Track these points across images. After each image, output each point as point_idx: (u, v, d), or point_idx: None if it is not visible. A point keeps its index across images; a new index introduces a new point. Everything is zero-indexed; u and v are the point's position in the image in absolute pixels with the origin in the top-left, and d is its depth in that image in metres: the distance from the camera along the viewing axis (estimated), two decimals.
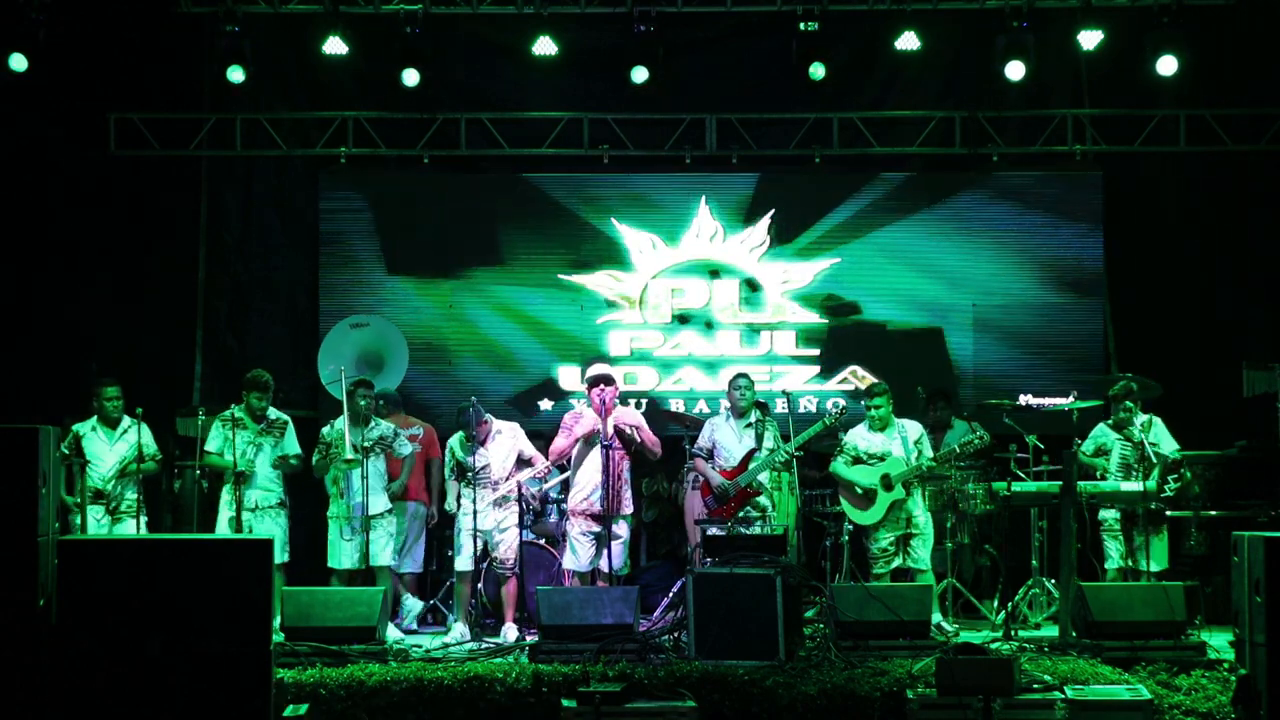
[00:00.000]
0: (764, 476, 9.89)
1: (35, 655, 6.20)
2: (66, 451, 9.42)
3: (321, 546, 9.90)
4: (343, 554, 9.68)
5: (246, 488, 9.62)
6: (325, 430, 9.90)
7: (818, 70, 11.14)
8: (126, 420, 9.78)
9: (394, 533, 9.90)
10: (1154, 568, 9.55)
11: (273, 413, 9.89)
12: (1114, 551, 9.69)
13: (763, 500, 9.83)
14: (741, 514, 9.70)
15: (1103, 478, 9.73)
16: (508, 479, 9.73)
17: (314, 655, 8.15)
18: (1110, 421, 9.90)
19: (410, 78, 11.19)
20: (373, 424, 9.81)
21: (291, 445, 9.90)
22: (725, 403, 10.31)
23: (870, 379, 11.89)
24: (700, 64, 12.01)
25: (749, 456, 9.83)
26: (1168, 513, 9.78)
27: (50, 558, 6.34)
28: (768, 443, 9.90)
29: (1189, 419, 10.31)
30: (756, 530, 9.53)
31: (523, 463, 9.84)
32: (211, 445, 9.73)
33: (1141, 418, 9.74)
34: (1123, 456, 9.72)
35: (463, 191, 12.27)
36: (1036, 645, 8.67)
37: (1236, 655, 7.46)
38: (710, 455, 9.97)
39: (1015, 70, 11.09)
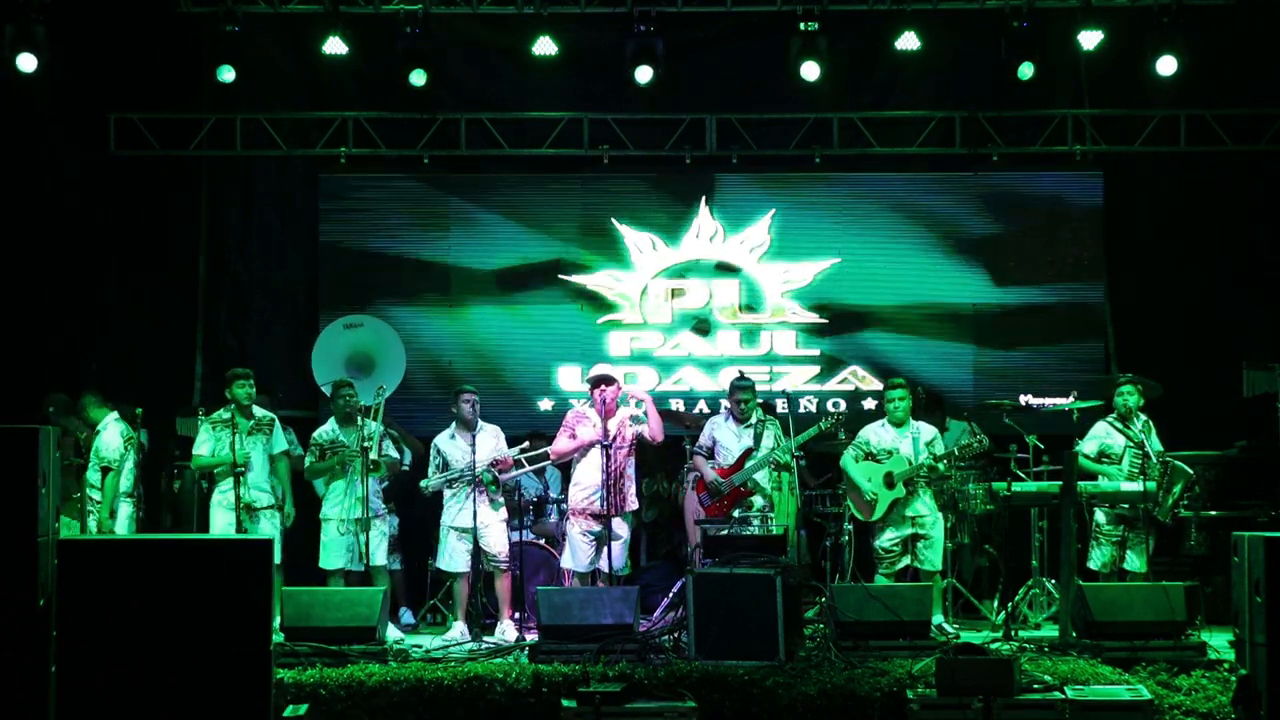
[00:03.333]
0: (761, 477, 9.90)
1: (35, 655, 6.19)
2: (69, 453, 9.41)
3: (309, 546, 9.92)
4: (338, 554, 9.69)
5: (245, 485, 9.61)
6: (318, 434, 9.89)
7: (811, 70, 11.14)
8: (103, 422, 9.77)
9: (388, 533, 9.90)
10: (1135, 568, 9.54)
11: (258, 410, 9.87)
12: (1104, 554, 9.64)
13: (758, 500, 9.83)
14: (737, 513, 9.70)
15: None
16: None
17: (314, 655, 8.15)
18: (1111, 416, 9.83)
19: (418, 79, 11.18)
20: (360, 424, 9.78)
21: (279, 442, 9.88)
22: (726, 404, 10.33)
23: (871, 379, 11.94)
24: (700, 64, 12.00)
25: (746, 455, 9.86)
26: (1181, 514, 9.76)
27: (50, 558, 6.34)
28: (767, 442, 9.92)
29: (1189, 419, 10.32)
30: (755, 530, 9.52)
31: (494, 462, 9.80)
32: (202, 449, 9.70)
33: (1143, 417, 9.72)
34: (1134, 463, 9.66)
35: (463, 192, 12.27)
36: (1036, 645, 8.67)
37: (1236, 655, 7.45)
38: (710, 454, 10.01)
39: (1026, 70, 11.09)
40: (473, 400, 9.78)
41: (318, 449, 9.81)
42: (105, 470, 9.78)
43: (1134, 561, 9.57)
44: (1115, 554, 9.60)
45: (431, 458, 9.86)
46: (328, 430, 9.87)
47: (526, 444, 10.03)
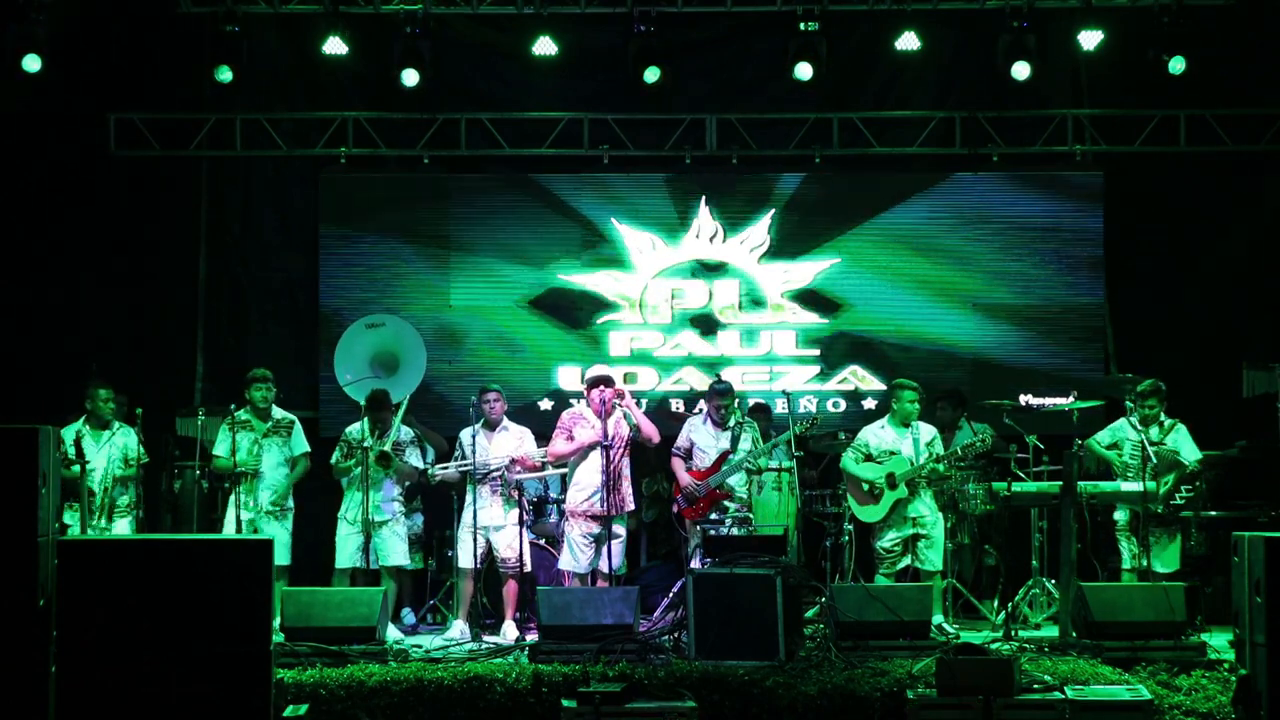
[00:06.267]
0: (736, 480, 9.92)
1: (35, 655, 6.19)
2: (73, 455, 9.37)
3: (324, 547, 9.93)
4: (348, 553, 9.71)
5: (254, 489, 9.62)
6: (349, 430, 9.96)
7: (805, 70, 11.13)
8: (115, 423, 9.80)
9: (402, 534, 9.92)
10: (1163, 569, 9.54)
11: (278, 412, 9.92)
12: (1126, 552, 9.68)
13: (731, 504, 9.84)
14: (714, 515, 9.72)
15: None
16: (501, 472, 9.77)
17: (314, 655, 8.16)
18: (1134, 419, 9.83)
19: (410, 78, 11.19)
20: (391, 428, 9.81)
21: (300, 444, 9.92)
22: (704, 406, 10.35)
23: (871, 379, 11.94)
24: (700, 64, 12.01)
25: (722, 459, 9.89)
26: (1182, 514, 9.76)
27: (50, 558, 6.34)
28: (744, 445, 9.95)
29: (1189, 419, 10.30)
30: (739, 532, 9.52)
31: (514, 460, 9.84)
32: (220, 449, 9.77)
33: (1165, 421, 9.72)
34: (1131, 456, 9.70)
35: (463, 192, 12.27)
36: (1036, 645, 8.67)
37: (1237, 655, 7.45)
38: (689, 455, 10.04)
39: (1020, 70, 11.10)
40: (491, 399, 9.84)
41: (345, 446, 9.87)
42: (141, 466, 9.83)
43: (1158, 563, 9.56)
44: (1135, 551, 9.60)
45: (455, 451, 9.95)
46: (357, 429, 9.91)
47: None
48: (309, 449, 10.06)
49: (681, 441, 10.12)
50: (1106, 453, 9.86)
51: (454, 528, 9.90)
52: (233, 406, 9.89)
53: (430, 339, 11.93)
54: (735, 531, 9.50)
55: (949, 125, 12.05)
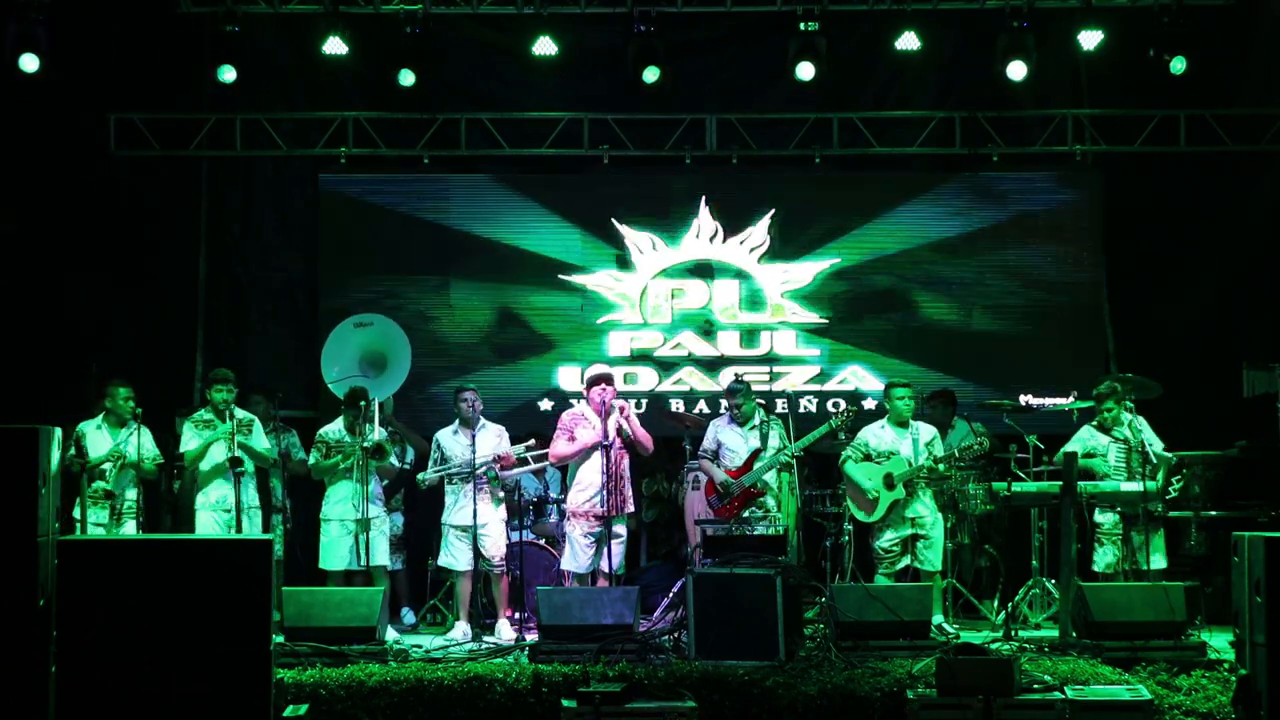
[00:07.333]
0: (770, 476, 9.92)
1: (35, 655, 6.20)
2: (73, 453, 9.37)
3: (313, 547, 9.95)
4: (339, 555, 9.70)
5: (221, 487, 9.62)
6: (324, 431, 9.92)
7: (806, 70, 11.14)
8: (131, 423, 9.81)
9: (387, 532, 9.92)
10: (1156, 566, 9.53)
11: (238, 411, 9.88)
12: (1108, 555, 9.63)
13: (768, 500, 9.86)
14: (746, 513, 9.73)
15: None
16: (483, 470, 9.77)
17: (314, 655, 8.17)
18: (1094, 423, 9.86)
19: (406, 78, 11.19)
20: (363, 429, 9.81)
21: (258, 442, 9.88)
22: (725, 405, 10.38)
23: (871, 379, 11.94)
24: (700, 64, 12.01)
25: (754, 456, 9.88)
26: (1170, 513, 9.77)
27: (50, 558, 6.35)
28: (773, 442, 9.95)
29: (1189, 419, 10.33)
30: (760, 530, 9.55)
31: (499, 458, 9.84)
32: (191, 445, 9.73)
33: (1127, 418, 9.71)
34: (1119, 458, 9.70)
35: (463, 192, 12.27)
36: (1036, 645, 8.68)
37: (1237, 655, 7.46)
38: (716, 456, 10.05)
39: (1016, 70, 11.11)
40: (471, 399, 9.83)
41: (323, 446, 9.84)
42: (159, 466, 9.86)
43: (1148, 559, 9.54)
44: (1121, 553, 9.59)
45: (432, 451, 9.91)
46: (335, 429, 9.89)
47: (532, 441, 10.05)
48: (269, 447, 9.99)
49: (708, 444, 10.14)
50: (1086, 463, 9.75)
51: (441, 527, 9.87)
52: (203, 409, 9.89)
53: (430, 338, 11.94)
54: (766, 530, 9.50)
55: (949, 125, 12.05)
